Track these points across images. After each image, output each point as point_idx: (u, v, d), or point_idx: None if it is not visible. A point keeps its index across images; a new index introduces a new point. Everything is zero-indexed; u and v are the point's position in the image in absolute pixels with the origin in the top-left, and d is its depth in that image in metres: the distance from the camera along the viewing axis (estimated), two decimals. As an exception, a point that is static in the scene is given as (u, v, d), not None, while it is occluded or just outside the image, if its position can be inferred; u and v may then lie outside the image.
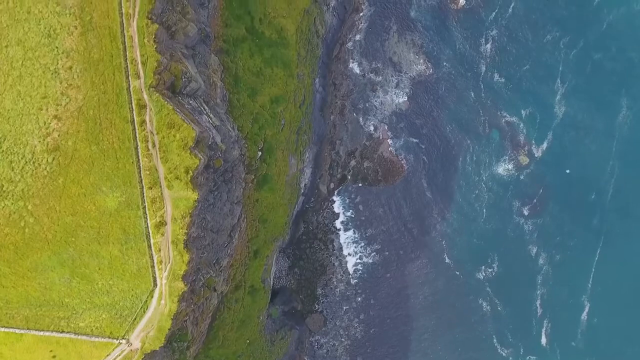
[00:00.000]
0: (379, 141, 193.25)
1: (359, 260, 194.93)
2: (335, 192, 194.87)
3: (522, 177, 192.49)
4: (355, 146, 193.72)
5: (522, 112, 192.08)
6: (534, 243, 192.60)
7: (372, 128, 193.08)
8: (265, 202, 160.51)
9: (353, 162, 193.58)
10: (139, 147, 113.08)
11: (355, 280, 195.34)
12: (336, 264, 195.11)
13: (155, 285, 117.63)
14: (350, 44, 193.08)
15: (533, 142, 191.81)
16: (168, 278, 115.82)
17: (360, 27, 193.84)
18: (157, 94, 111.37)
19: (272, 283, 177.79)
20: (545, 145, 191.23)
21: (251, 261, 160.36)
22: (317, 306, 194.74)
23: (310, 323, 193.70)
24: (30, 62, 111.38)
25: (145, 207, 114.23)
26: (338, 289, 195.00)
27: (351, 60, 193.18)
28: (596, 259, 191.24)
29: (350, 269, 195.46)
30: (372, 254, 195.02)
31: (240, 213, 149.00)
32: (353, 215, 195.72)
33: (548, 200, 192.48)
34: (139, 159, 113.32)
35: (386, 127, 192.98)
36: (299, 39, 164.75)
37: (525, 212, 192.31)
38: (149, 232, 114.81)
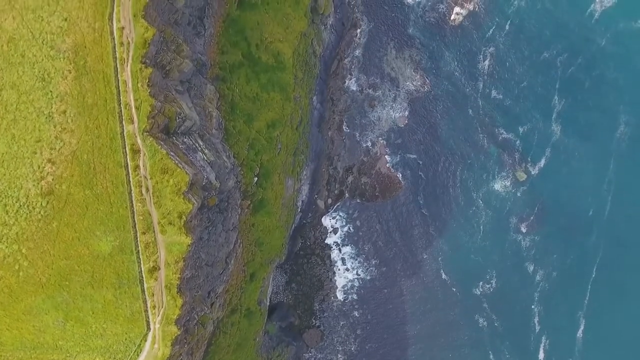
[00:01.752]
0: (377, 157, 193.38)
1: (356, 276, 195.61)
2: (333, 207, 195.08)
3: (519, 194, 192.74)
4: (352, 162, 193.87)
5: (520, 129, 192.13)
6: (531, 260, 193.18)
7: (369, 144, 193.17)
8: (261, 226, 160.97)
9: (350, 178, 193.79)
10: (132, 192, 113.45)
11: (353, 296, 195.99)
12: (333, 279, 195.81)
13: (148, 329, 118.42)
14: (348, 59, 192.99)
15: (530, 159, 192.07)
16: (161, 322, 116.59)
17: (358, 43, 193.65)
18: (150, 139, 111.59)
19: (269, 301, 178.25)
20: (542, 162, 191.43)
21: (247, 284, 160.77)
22: (314, 321, 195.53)
23: (308, 338, 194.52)
24: (24, 106, 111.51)
25: (138, 251, 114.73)
26: (335, 304, 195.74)
27: (349, 76, 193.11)
28: (593, 276, 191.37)
29: (348, 284, 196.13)
30: (370, 269, 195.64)
31: (236, 238, 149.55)
32: (351, 231, 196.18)
33: (545, 217, 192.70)
34: (132, 204, 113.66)
35: (384, 143, 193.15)
36: (295, 61, 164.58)
37: (523, 229, 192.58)
38: (142, 277, 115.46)
